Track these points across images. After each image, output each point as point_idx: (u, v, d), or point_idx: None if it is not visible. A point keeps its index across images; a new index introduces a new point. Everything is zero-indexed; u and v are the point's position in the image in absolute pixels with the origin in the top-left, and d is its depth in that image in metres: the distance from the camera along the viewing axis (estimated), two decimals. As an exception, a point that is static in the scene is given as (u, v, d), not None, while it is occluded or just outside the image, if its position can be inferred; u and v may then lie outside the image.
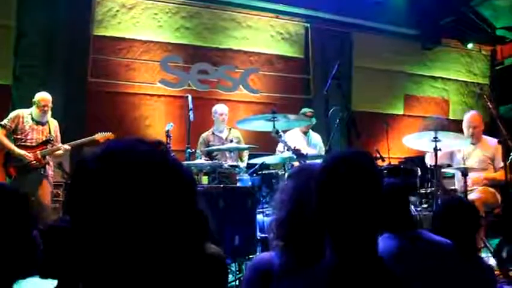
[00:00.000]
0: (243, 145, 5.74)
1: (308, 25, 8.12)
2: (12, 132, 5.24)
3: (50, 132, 5.38)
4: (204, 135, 5.98)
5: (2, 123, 5.23)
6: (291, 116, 4.62)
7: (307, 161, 4.24)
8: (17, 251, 1.36)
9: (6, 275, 1.33)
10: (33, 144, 5.26)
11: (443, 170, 5.37)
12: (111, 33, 6.94)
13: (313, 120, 5.63)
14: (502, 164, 5.05)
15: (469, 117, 5.36)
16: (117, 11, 6.97)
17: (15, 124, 5.23)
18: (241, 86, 7.59)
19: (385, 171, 4.67)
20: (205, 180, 4.94)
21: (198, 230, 0.85)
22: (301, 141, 5.97)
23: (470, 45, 9.21)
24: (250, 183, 4.71)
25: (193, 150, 5.47)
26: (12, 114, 5.30)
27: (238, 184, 4.81)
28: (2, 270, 1.32)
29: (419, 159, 5.70)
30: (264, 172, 4.75)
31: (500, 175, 5.03)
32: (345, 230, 1.28)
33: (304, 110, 6.23)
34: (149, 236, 0.79)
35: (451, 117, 8.93)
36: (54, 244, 1.53)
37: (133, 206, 0.78)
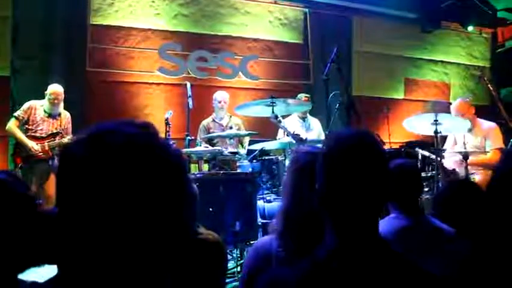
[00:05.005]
0: (243, 131, 5.72)
1: (307, 10, 8.05)
2: (24, 123, 5.35)
3: (60, 125, 5.44)
4: (204, 122, 5.96)
5: (16, 114, 5.36)
6: (290, 101, 4.62)
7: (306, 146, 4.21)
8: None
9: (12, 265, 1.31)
10: (43, 135, 5.34)
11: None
12: (108, 22, 6.89)
13: (309, 105, 5.63)
14: (494, 146, 5.03)
15: (454, 107, 5.28)
16: (114, -1, 6.92)
17: (28, 115, 5.34)
18: (240, 73, 7.55)
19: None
20: (205, 167, 4.95)
21: (186, 211, 0.84)
22: (299, 126, 5.96)
23: (470, 28, 9.07)
24: (250, 169, 4.71)
25: (193, 137, 5.46)
26: (25, 106, 5.40)
27: (239, 170, 4.81)
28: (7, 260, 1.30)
29: (420, 143, 5.66)
30: (264, 158, 4.74)
31: (492, 157, 5.01)
32: (349, 211, 1.24)
33: (300, 95, 6.20)
34: (136, 218, 0.77)
35: (451, 100, 8.84)
36: (43, 230, 1.52)
37: (119, 189, 0.76)
